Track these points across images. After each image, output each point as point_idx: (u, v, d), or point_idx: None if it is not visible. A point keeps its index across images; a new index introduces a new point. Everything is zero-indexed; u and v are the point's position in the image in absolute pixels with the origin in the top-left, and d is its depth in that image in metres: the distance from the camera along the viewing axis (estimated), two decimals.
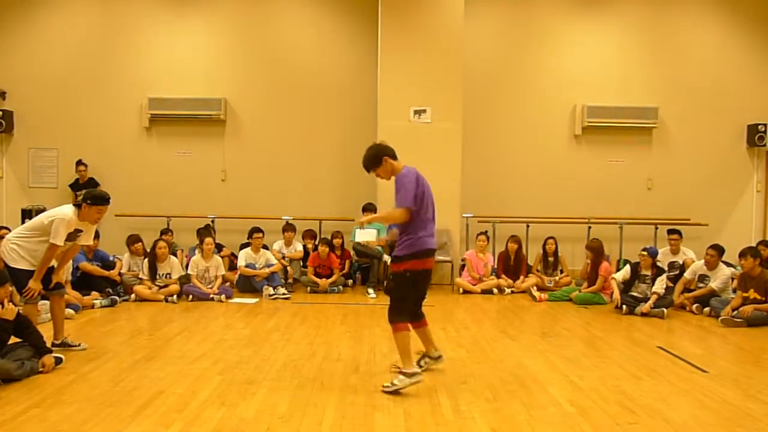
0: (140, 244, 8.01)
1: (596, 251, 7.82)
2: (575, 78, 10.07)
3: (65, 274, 5.87)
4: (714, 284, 7.17)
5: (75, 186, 9.75)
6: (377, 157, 4.30)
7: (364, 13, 9.83)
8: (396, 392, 4.07)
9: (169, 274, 7.63)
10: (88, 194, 4.98)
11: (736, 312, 6.53)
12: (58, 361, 4.58)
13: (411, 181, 4.20)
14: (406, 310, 4.28)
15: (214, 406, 3.82)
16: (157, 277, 7.61)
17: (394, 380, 4.14)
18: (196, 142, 10.06)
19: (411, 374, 4.10)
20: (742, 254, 6.78)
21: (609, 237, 8.87)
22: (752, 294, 6.62)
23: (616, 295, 7.16)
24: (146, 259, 7.67)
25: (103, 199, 4.93)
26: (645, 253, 7.20)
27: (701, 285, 7.39)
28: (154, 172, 10.02)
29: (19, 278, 4.86)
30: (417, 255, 4.21)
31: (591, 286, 7.78)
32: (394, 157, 4.35)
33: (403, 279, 4.21)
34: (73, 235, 4.94)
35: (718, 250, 7.35)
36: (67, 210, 4.89)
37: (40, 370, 4.41)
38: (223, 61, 10.07)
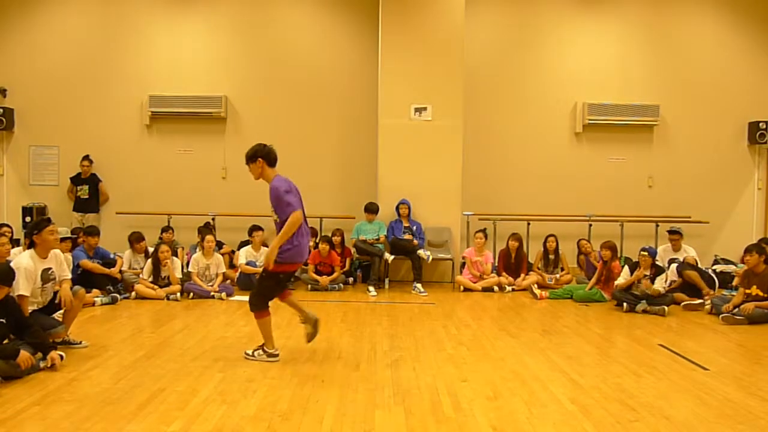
0: (143, 242, 8.00)
1: (614, 250, 7.81)
2: (576, 76, 10.07)
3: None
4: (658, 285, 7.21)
5: (76, 180, 9.76)
6: (251, 155, 4.90)
7: (365, 12, 9.82)
8: (252, 359, 4.81)
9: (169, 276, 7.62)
10: (31, 227, 5.04)
11: (737, 309, 6.52)
12: (60, 358, 4.58)
13: (288, 190, 4.77)
14: (269, 300, 4.88)
15: (215, 403, 3.82)
16: (159, 279, 7.61)
17: (255, 352, 4.85)
18: (196, 139, 10.06)
19: (270, 354, 4.82)
20: (748, 250, 6.74)
21: (610, 235, 8.87)
22: (755, 290, 6.59)
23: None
24: (149, 261, 7.65)
25: (44, 222, 5.03)
26: (645, 253, 7.19)
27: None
28: (155, 169, 10.03)
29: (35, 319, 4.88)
30: (294, 261, 4.81)
31: (599, 283, 7.76)
32: (271, 164, 4.96)
33: (276, 279, 4.82)
34: (46, 275, 4.94)
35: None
36: (22, 258, 4.89)
37: (47, 366, 4.42)
38: (223, 58, 10.06)
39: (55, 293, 5.07)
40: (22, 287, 4.75)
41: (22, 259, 4.88)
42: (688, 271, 7.49)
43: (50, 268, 5.01)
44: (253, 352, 4.87)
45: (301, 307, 5.08)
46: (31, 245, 4.99)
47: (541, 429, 3.50)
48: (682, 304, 7.25)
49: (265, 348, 4.84)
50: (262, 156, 4.88)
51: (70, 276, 5.28)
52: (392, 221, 8.87)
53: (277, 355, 4.83)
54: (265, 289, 4.88)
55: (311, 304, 7.28)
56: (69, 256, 5.29)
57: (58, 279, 5.07)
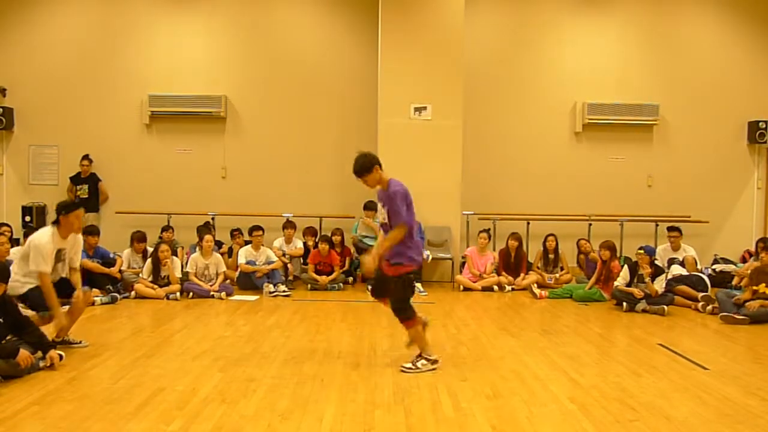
0: (144, 244, 7.99)
1: (613, 250, 7.81)
2: (576, 75, 10.06)
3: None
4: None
5: (75, 179, 9.76)
6: (369, 166, 4.64)
7: (365, 11, 9.81)
8: (416, 370, 4.52)
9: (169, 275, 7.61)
10: (61, 206, 5.03)
11: (742, 308, 6.45)
12: (59, 357, 4.57)
13: (403, 197, 4.60)
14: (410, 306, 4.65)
15: (215, 403, 3.82)
16: (159, 278, 7.60)
17: (419, 362, 4.57)
18: (196, 139, 10.06)
19: (432, 360, 4.60)
20: (766, 248, 6.68)
21: (609, 234, 8.86)
22: (762, 288, 6.53)
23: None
24: (148, 260, 7.64)
25: (74, 205, 5.06)
26: (642, 251, 7.17)
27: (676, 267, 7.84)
28: (155, 169, 10.02)
29: (31, 299, 4.93)
30: (413, 260, 4.65)
31: (598, 283, 7.75)
32: (381, 167, 4.71)
33: (405, 281, 4.61)
34: (59, 255, 4.97)
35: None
36: (42, 235, 4.90)
37: (46, 365, 4.42)
38: (223, 58, 10.06)
39: (64, 281, 5.07)
40: (41, 265, 4.76)
41: (42, 237, 4.88)
42: (678, 287, 7.45)
43: (63, 249, 5.01)
44: (413, 364, 4.57)
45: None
46: (55, 223, 4.98)
47: (541, 428, 3.50)
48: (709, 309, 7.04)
49: (424, 355, 4.61)
50: (377, 163, 4.67)
51: (79, 262, 5.29)
52: None
53: (437, 361, 4.61)
54: (402, 293, 4.63)
55: (311, 304, 7.31)
56: (81, 239, 5.28)
57: (68, 261, 5.09)
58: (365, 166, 4.61)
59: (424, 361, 4.57)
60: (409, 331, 4.68)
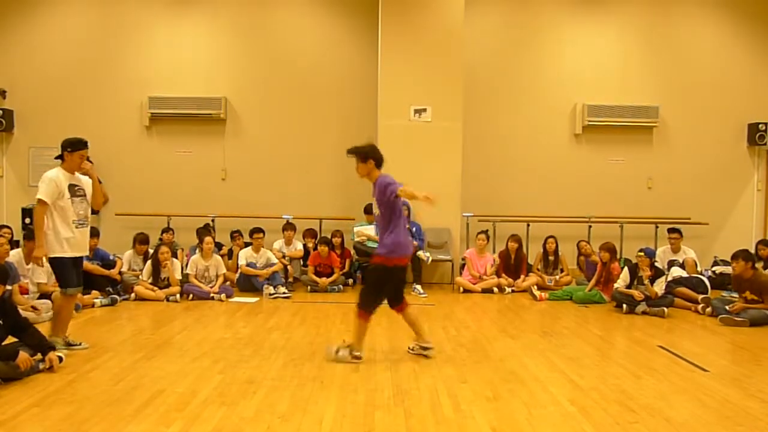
0: (147, 245, 7.99)
1: (612, 252, 7.81)
2: (575, 77, 10.07)
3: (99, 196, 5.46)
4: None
5: None
6: (366, 155, 4.84)
7: (365, 13, 9.82)
8: (336, 356, 4.79)
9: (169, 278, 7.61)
10: (67, 143, 5.06)
11: (741, 314, 6.48)
12: (59, 359, 4.57)
13: (385, 188, 4.78)
14: (377, 302, 4.83)
15: (215, 405, 3.82)
16: (159, 280, 7.60)
17: (341, 350, 4.81)
18: (196, 141, 10.06)
19: (356, 356, 4.80)
20: (734, 257, 6.76)
21: (609, 236, 8.87)
22: (749, 295, 6.63)
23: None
24: (148, 262, 7.64)
25: (81, 143, 5.08)
26: (642, 254, 7.17)
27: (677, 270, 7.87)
28: (155, 171, 10.02)
29: (57, 268, 4.95)
30: (398, 253, 4.79)
31: (598, 284, 7.75)
32: (379, 166, 4.90)
33: (385, 272, 4.77)
34: (74, 190, 5.02)
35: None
36: (51, 172, 4.99)
37: (46, 367, 4.41)
38: (223, 60, 10.07)
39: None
40: (43, 193, 4.83)
41: (51, 172, 4.98)
42: (677, 289, 7.46)
43: (77, 185, 5.06)
44: (337, 350, 4.82)
45: (420, 327, 5.02)
46: (59, 158, 5.07)
47: (541, 430, 3.50)
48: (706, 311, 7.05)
49: (352, 349, 4.80)
50: (373, 157, 4.87)
51: (100, 196, 5.31)
52: None
53: (360, 358, 4.80)
54: (375, 284, 4.83)
55: (311, 306, 7.31)
56: (90, 181, 5.27)
57: (89, 198, 5.12)
58: (361, 152, 4.83)
59: (347, 354, 4.76)
60: (356, 320, 4.81)
